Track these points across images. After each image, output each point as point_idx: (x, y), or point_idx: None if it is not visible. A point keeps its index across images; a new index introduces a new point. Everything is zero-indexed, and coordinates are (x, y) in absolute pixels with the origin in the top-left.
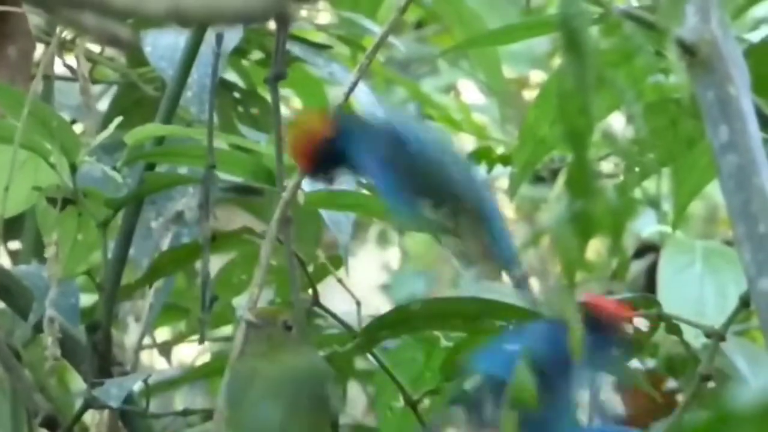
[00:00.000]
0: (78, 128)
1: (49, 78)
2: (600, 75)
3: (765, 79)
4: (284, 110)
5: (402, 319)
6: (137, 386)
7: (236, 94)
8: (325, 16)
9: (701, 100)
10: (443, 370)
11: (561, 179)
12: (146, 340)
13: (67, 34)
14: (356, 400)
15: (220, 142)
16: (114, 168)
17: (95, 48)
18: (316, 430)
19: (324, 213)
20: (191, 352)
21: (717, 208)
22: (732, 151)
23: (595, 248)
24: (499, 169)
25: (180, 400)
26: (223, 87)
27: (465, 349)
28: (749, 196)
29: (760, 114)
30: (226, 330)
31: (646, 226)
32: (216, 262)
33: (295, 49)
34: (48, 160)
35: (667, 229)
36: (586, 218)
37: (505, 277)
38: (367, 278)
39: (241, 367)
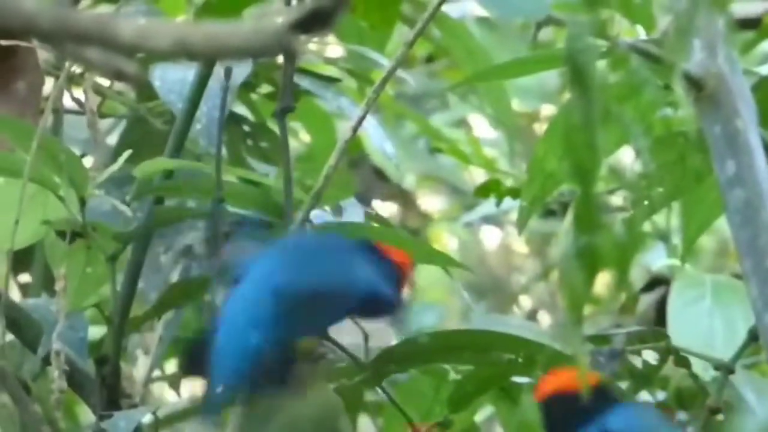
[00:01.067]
0: (87, 162)
1: (58, 112)
2: (607, 109)
3: None
4: (293, 143)
5: (410, 352)
6: (146, 419)
7: (245, 128)
8: (333, 49)
9: (708, 134)
10: (452, 403)
11: (570, 213)
12: (155, 373)
13: (76, 68)
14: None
15: (229, 176)
16: (123, 201)
17: (104, 82)
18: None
19: None
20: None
21: (727, 242)
22: (739, 185)
23: (604, 282)
24: (508, 202)
25: None
26: (231, 120)
27: (474, 382)
28: (756, 231)
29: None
30: None
31: (656, 259)
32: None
33: (303, 82)
34: (57, 193)
35: (677, 262)
36: (592, 253)
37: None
38: None
39: (258, 403)
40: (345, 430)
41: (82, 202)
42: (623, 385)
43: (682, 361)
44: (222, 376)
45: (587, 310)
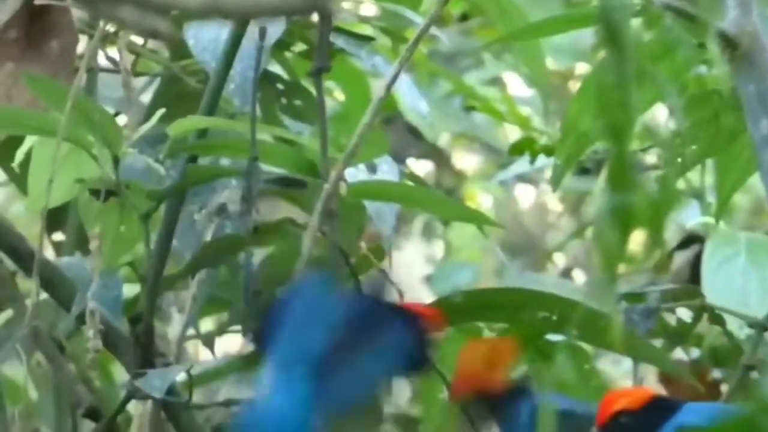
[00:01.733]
0: (121, 121)
1: (92, 71)
2: (641, 67)
3: None
4: (327, 102)
5: (445, 311)
6: (180, 377)
7: (279, 86)
8: (368, 8)
9: (742, 92)
10: None
11: (605, 172)
12: (189, 332)
13: (110, 27)
14: (400, 390)
15: (264, 134)
16: (157, 160)
17: (138, 41)
18: (369, 422)
19: (367, 204)
20: (235, 343)
21: (761, 200)
22: None
23: (638, 240)
24: (543, 160)
25: (224, 392)
26: (266, 79)
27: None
28: None
29: None
30: None
31: (690, 217)
32: (259, 254)
33: (338, 41)
34: (91, 152)
35: (711, 220)
36: (626, 211)
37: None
38: (412, 270)
39: None
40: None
41: (116, 161)
42: (657, 343)
43: (717, 319)
44: None
45: (621, 268)
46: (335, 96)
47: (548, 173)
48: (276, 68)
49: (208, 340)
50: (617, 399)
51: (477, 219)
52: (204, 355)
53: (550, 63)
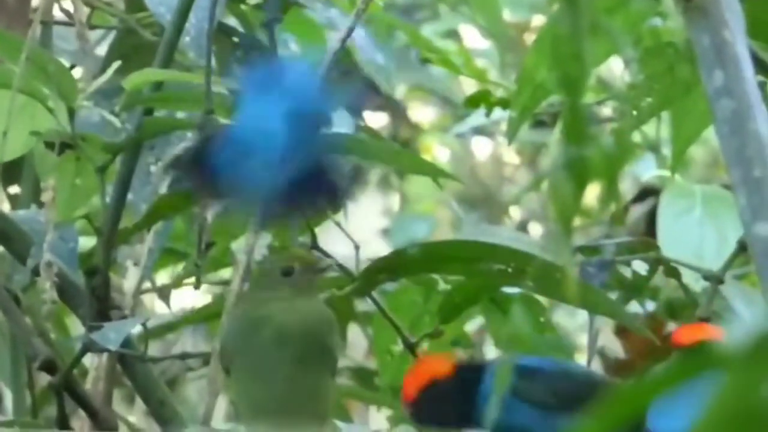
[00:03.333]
0: (76, 73)
1: (46, 23)
2: (595, 20)
3: (761, 23)
4: (284, 54)
5: (400, 263)
6: (136, 330)
7: (235, 39)
8: None
9: (696, 44)
10: (441, 314)
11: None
12: (145, 284)
13: None
14: (356, 342)
15: (219, 87)
16: (112, 113)
17: None
18: (321, 378)
19: None
20: (191, 297)
21: (717, 153)
22: (727, 95)
23: (594, 193)
24: (499, 113)
25: (180, 344)
26: (221, 32)
27: (463, 293)
28: (744, 141)
29: (755, 58)
30: (225, 273)
31: (645, 170)
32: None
33: None
34: (46, 104)
35: (667, 173)
36: (581, 164)
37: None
38: (368, 223)
39: (250, 312)
40: (335, 342)
41: (71, 113)
42: (613, 295)
43: (672, 272)
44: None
45: (577, 221)
46: (291, 48)
47: (504, 126)
48: (232, 21)
49: (164, 293)
50: (421, 371)
51: (433, 172)
52: (160, 307)
53: (507, 15)
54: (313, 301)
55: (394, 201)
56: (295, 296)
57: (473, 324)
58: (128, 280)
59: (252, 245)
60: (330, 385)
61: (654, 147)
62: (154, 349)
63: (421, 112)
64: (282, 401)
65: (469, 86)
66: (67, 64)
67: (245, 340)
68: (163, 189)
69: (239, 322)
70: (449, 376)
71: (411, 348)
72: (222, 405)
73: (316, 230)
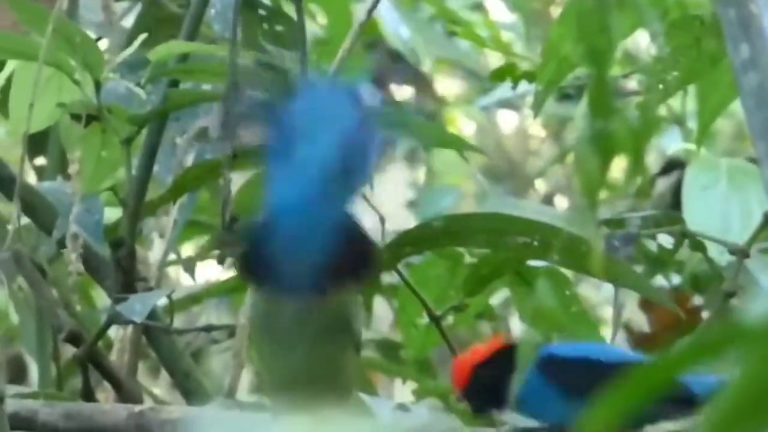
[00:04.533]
0: (102, 45)
1: None
2: None
3: None
4: (309, 27)
5: (425, 236)
6: (161, 302)
7: (261, 11)
8: None
9: (722, 18)
10: (466, 287)
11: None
12: (170, 256)
13: None
14: (382, 315)
15: (244, 59)
16: (138, 85)
17: None
18: (342, 352)
19: None
20: (216, 269)
21: (743, 125)
22: (753, 69)
23: (620, 166)
24: (525, 86)
25: (205, 317)
26: (247, 4)
27: (488, 266)
28: None
29: None
30: None
31: (671, 143)
32: (239, 179)
33: None
34: (72, 76)
35: (692, 146)
36: (607, 137)
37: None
38: (394, 195)
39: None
40: (354, 316)
41: (97, 85)
42: (638, 269)
43: (698, 245)
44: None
45: (603, 194)
46: (318, 21)
47: (530, 99)
48: None
49: (189, 265)
50: (466, 360)
51: (459, 144)
52: (185, 279)
53: None
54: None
55: (420, 174)
56: None
57: (498, 297)
58: (153, 252)
59: None
60: (351, 359)
61: (680, 120)
62: (178, 321)
63: (447, 85)
64: (303, 375)
65: (494, 59)
66: (93, 36)
67: (265, 316)
68: (189, 161)
69: (255, 304)
70: (491, 358)
71: (436, 321)
72: (246, 377)
73: None
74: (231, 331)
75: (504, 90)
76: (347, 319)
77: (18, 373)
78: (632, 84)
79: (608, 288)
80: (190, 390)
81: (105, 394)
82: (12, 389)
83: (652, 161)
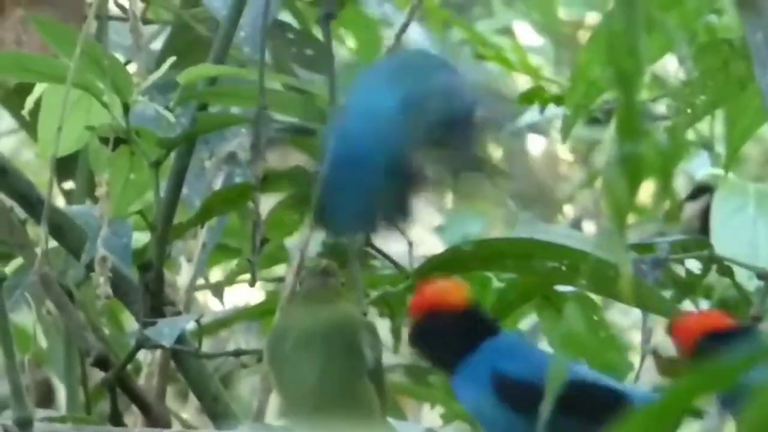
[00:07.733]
0: (131, 68)
1: (102, 17)
2: (651, 16)
3: None
4: (338, 50)
5: (454, 260)
6: (190, 326)
7: (290, 35)
8: None
9: (750, 41)
10: (495, 311)
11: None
12: (199, 281)
13: None
14: None
15: (274, 83)
16: (167, 108)
17: None
18: (351, 379)
19: None
20: (244, 293)
21: None
22: None
23: (649, 190)
24: (553, 109)
25: (233, 341)
26: (276, 27)
27: (517, 290)
28: None
29: None
30: (279, 270)
31: (700, 167)
32: (268, 203)
33: None
34: (101, 99)
35: (721, 171)
36: (635, 161)
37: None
38: (422, 219)
39: (279, 321)
40: (364, 343)
41: (126, 108)
42: (666, 293)
43: (726, 270)
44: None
45: (631, 218)
46: (347, 44)
47: (558, 123)
48: (287, 17)
49: (218, 289)
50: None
51: (487, 169)
52: (213, 304)
53: (561, 12)
54: (338, 305)
55: (448, 198)
56: (322, 302)
57: (527, 322)
58: (182, 276)
59: (306, 241)
60: (364, 383)
61: (708, 144)
62: (207, 345)
63: None
64: (314, 402)
65: (523, 83)
66: (121, 59)
67: (275, 347)
68: (218, 184)
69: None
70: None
71: None
72: (274, 401)
73: None
74: (259, 355)
75: (532, 114)
76: (353, 346)
77: (46, 397)
78: (661, 108)
79: (636, 313)
80: (218, 414)
81: (133, 418)
82: (40, 413)
83: (681, 186)
